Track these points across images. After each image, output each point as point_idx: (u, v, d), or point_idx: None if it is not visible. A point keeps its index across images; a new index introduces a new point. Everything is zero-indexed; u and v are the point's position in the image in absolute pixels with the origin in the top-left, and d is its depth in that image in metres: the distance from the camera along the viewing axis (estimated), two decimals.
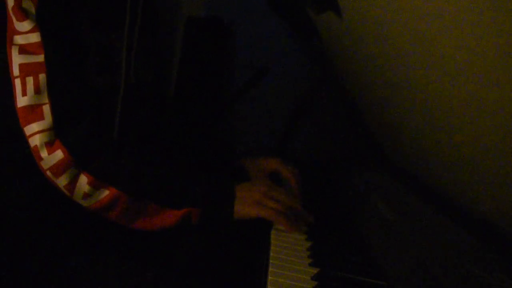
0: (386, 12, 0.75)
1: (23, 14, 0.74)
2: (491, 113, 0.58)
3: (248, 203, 0.80)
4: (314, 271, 0.64)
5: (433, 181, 0.95)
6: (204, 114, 1.79)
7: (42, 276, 0.77)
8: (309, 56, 1.83)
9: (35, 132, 0.73)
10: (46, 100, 0.74)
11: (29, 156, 0.74)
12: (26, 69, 0.74)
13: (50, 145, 0.73)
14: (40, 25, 0.75)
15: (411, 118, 0.92)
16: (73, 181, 0.74)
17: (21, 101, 0.74)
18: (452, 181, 0.84)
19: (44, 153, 0.73)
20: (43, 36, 0.75)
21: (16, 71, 0.74)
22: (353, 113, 1.62)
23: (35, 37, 0.74)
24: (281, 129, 1.84)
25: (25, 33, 0.74)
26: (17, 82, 0.74)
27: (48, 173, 0.74)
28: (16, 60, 0.74)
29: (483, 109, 0.59)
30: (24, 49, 0.74)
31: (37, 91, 0.74)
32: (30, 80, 0.74)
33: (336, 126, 1.82)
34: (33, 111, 0.73)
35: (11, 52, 0.74)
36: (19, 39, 0.74)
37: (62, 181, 0.74)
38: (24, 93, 0.74)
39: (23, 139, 0.74)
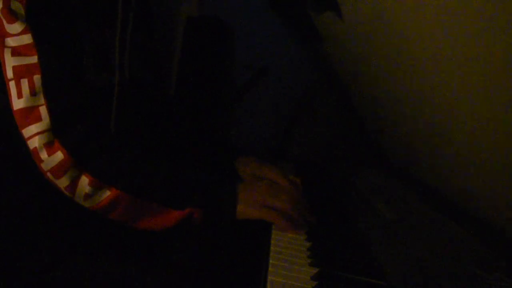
0: (386, 12, 0.75)
1: (13, 16, 0.73)
2: (492, 113, 0.58)
3: (250, 204, 0.79)
4: (314, 271, 0.64)
5: (433, 181, 0.95)
6: (204, 114, 1.79)
7: (42, 276, 0.77)
8: (309, 56, 1.83)
9: (33, 134, 0.73)
10: (43, 101, 0.73)
11: (28, 158, 0.74)
12: (20, 71, 0.73)
13: (49, 146, 0.73)
14: (31, 26, 0.74)
15: (411, 118, 0.92)
16: (74, 182, 0.74)
17: (17, 104, 0.73)
18: (452, 181, 0.84)
19: (44, 155, 0.73)
20: (34, 37, 0.74)
21: (10, 73, 0.73)
22: (353, 113, 1.62)
23: (26, 39, 0.74)
24: (281, 129, 1.84)
25: (16, 35, 0.73)
26: (12, 85, 0.73)
27: (49, 174, 0.74)
28: (10, 62, 0.73)
29: (483, 109, 0.59)
30: (16, 51, 0.73)
31: (33, 92, 0.73)
32: (25, 82, 0.73)
33: (336, 126, 1.82)
34: (30, 113, 0.73)
35: (3, 55, 0.73)
36: (10, 42, 0.73)
37: (63, 183, 0.74)
38: (19, 96, 0.73)
39: (22, 142, 0.73)
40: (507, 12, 0.44)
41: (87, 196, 0.75)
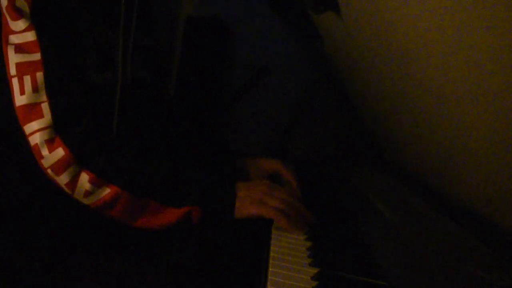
0: (386, 12, 0.75)
1: (18, 13, 0.74)
2: (491, 113, 0.58)
3: (249, 202, 0.80)
4: (314, 271, 0.64)
5: (433, 181, 0.95)
6: (204, 114, 1.79)
7: (42, 276, 0.77)
8: (309, 56, 1.83)
9: (35, 131, 0.73)
10: (45, 98, 0.74)
11: (29, 155, 0.74)
12: (23, 68, 0.74)
13: (50, 143, 0.73)
14: (35, 24, 0.74)
15: (411, 118, 0.92)
16: (74, 179, 0.74)
17: (20, 100, 0.73)
18: (452, 181, 0.84)
19: (45, 151, 0.73)
20: (38, 35, 0.74)
21: (13, 70, 0.74)
22: (353, 113, 1.62)
23: (30, 36, 0.74)
24: (281, 129, 1.84)
25: (20, 32, 0.74)
26: (15, 81, 0.74)
27: (49, 171, 0.74)
28: (13, 59, 0.74)
29: (483, 109, 0.59)
30: (20, 48, 0.74)
31: (35, 89, 0.73)
32: (27, 79, 0.73)
33: (336, 126, 1.82)
34: (32, 110, 0.73)
35: (7, 52, 0.74)
36: (14, 39, 0.74)
37: (63, 179, 0.74)
38: (22, 92, 0.73)
39: (23, 138, 0.74)
40: (506, 13, 0.44)
41: (87, 193, 0.75)
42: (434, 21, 0.60)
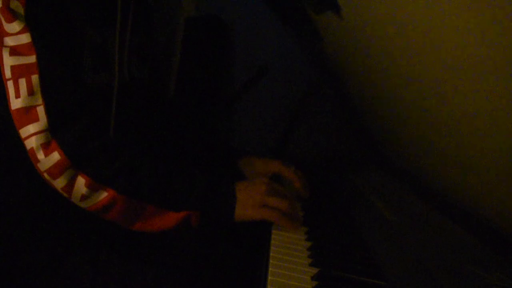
0: (386, 12, 0.75)
1: (12, 15, 0.73)
2: (491, 113, 0.58)
3: (249, 205, 0.79)
4: (314, 271, 0.64)
5: (433, 181, 0.95)
6: (204, 114, 1.79)
7: (42, 276, 0.77)
8: (309, 56, 1.82)
9: (30, 134, 0.72)
10: (40, 101, 0.73)
11: (26, 158, 0.74)
12: (18, 71, 0.73)
13: (46, 147, 0.72)
14: (30, 26, 0.73)
15: (411, 118, 0.92)
16: (71, 183, 0.74)
17: (15, 103, 0.72)
18: (452, 181, 0.84)
19: (40, 155, 0.72)
20: (33, 37, 0.73)
21: (8, 73, 0.73)
22: (353, 113, 1.62)
23: (25, 38, 0.73)
24: (281, 129, 1.84)
25: (15, 34, 0.73)
26: (10, 85, 0.73)
27: (46, 175, 0.73)
28: (8, 62, 0.73)
29: (483, 109, 0.59)
30: (15, 51, 0.73)
31: (31, 92, 0.73)
32: (23, 82, 0.73)
33: (336, 126, 1.83)
34: (28, 113, 0.72)
35: (2, 54, 0.73)
36: (9, 41, 0.73)
37: (59, 183, 0.74)
38: (17, 95, 0.72)
39: (20, 142, 0.73)
40: (507, 12, 0.44)
41: (84, 197, 0.74)
42: (436, 20, 0.60)
